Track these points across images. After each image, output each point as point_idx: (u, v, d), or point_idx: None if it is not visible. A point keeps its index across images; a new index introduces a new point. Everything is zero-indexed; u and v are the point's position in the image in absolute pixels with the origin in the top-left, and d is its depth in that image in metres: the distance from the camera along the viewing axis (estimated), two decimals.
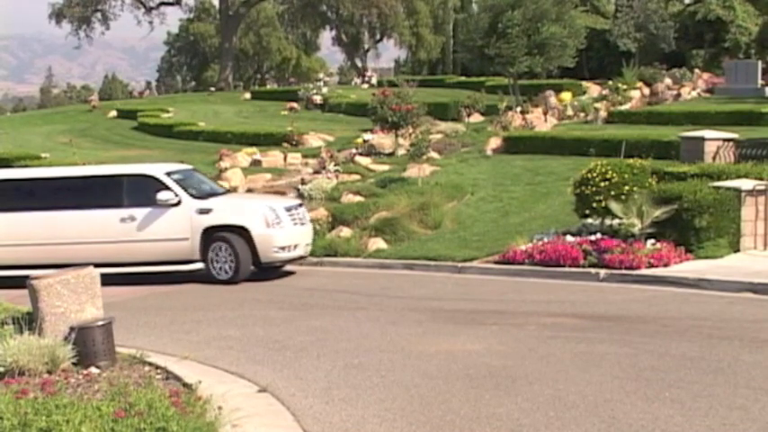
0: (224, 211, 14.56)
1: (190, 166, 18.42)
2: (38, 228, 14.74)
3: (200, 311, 11.78)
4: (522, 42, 30.58)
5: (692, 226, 13.64)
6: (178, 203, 14.49)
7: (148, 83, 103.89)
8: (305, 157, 26.44)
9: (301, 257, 15.20)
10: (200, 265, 14.50)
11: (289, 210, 14.84)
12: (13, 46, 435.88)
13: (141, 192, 14.59)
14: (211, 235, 14.43)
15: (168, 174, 14.95)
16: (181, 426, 5.46)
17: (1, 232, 14.80)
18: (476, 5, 47.30)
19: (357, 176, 22.79)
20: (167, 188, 14.55)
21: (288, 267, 15.51)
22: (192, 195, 14.70)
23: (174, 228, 14.45)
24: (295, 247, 14.76)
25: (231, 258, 14.29)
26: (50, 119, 46.12)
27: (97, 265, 13.87)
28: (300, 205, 15.62)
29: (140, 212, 14.54)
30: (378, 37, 73.14)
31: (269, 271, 14.94)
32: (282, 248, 14.51)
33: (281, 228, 14.48)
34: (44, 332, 7.56)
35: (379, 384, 7.42)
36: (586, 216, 15.17)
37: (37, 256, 14.38)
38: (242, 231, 14.32)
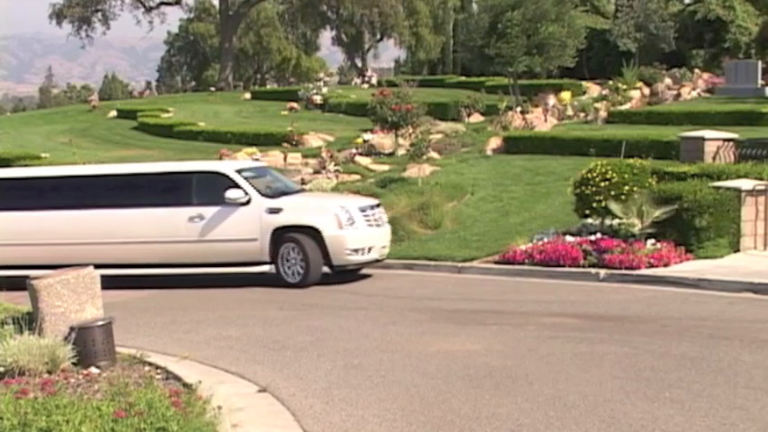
0: (294, 210, 13.86)
1: (263, 164, 17.92)
2: (100, 226, 14.27)
3: (201, 311, 11.78)
4: (522, 42, 30.59)
5: (692, 226, 13.64)
6: (248, 202, 13.83)
7: (148, 83, 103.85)
8: (305, 157, 26.45)
9: (376, 261, 14.37)
10: (266, 268, 13.86)
11: (363, 210, 14.10)
12: (13, 46, 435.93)
13: (210, 190, 13.98)
14: (281, 235, 13.71)
15: (239, 171, 14.33)
16: (181, 426, 5.46)
17: (63, 230, 14.37)
18: (476, 5, 47.29)
19: (357, 176, 22.80)
20: (237, 186, 13.88)
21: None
22: (262, 194, 14.00)
23: (242, 227, 13.81)
24: (369, 249, 13.96)
25: (301, 260, 13.60)
26: (50, 119, 46.12)
27: (160, 266, 14.02)
28: (377, 206, 14.79)
29: (209, 211, 13.93)
30: (378, 37, 73.14)
31: (344, 274, 14.11)
32: (355, 251, 13.75)
33: (354, 229, 13.73)
34: (44, 332, 7.56)
35: (380, 384, 7.42)
36: (586, 216, 15.18)
37: (99, 255, 13.72)
38: (312, 232, 13.61)
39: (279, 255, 13.72)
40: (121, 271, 14.02)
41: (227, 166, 14.74)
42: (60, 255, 13.95)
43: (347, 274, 14.15)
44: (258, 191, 14.01)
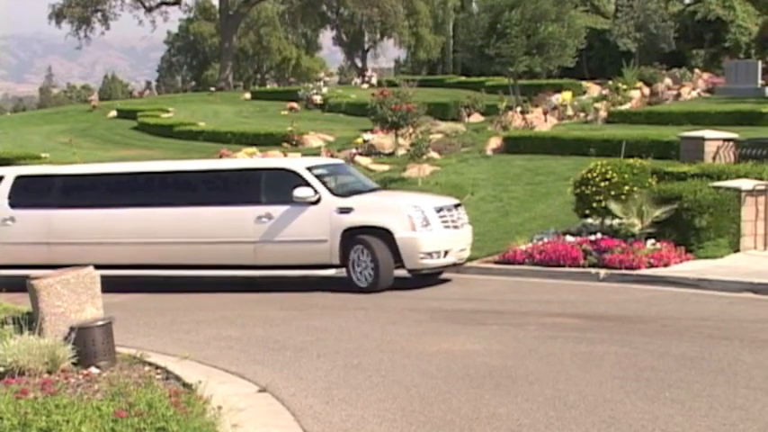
0: (365, 210, 13.06)
1: (339, 161, 17.21)
2: (164, 224, 13.69)
3: (201, 311, 11.78)
4: (522, 42, 30.59)
5: (692, 226, 13.65)
6: (317, 201, 13.09)
7: (148, 83, 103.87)
8: (305, 156, 26.44)
9: (454, 265, 13.47)
10: (332, 271, 13.14)
11: (440, 210, 13.19)
12: (12, 46, 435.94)
13: (279, 188, 13.28)
14: (352, 237, 12.93)
15: (309, 168, 13.58)
16: (181, 425, 5.46)
17: (126, 229, 13.83)
18: (476, 5, 47.27)
19: None
20: (307, 184, 13.16)
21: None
22: (333, 192, 13.26)
23: (311, 228, 13.07)
24: (445, 253, 13.03)
25: (372, 264, 12.81)
26: (50, 119, 46.13)
27: (224, 267, 13.57)
28: (457, 206, 13.81)
29: (277, 210, 13.22)
30: (378, 37, 73.15)
31: (424, 278, 13.40)
32: (429, 254, 12.87)
33: (428, 231, 12.85)
34: (44, 332, 7.55)
35: (380, 384, 7.42)
36: (586, 216, 15.18)
37: (161, 254, 13.55)
38: (383, 234, 12.82)
39: (349, 258, 12.96)
40: (181, 272, 13.68)
41: (297, 163, 14.12)
42: (121, 254, 13.71)
43: (425, 279, 13.43)
44: (329, 189, 13.31)
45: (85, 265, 8.30)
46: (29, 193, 14.59)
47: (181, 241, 13.58)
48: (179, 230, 13.59)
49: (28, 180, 14.82)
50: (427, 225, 12.92)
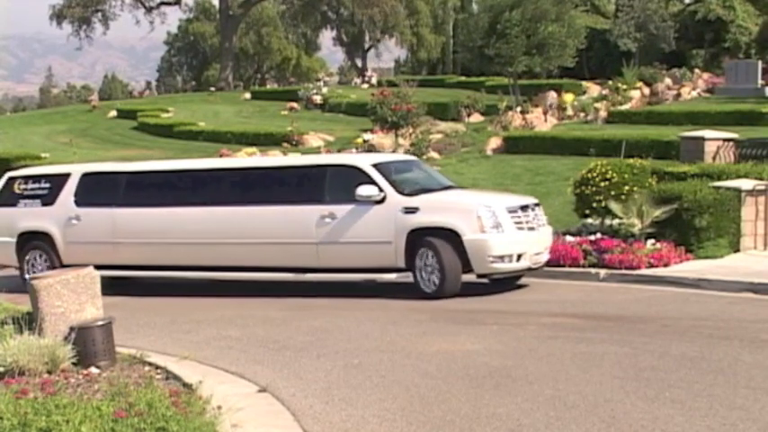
0: (431, 210, 12.12)
1: (411, 157, 16.30)
2: (222, 224, 13.01)
3: (201, 311, 11.78)
4: (522, 42, 30.62)
5: (692, 226, 13.64)
6: (382, 200, 12.22)
7: (148, 83, 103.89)
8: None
9: (529, 270, 12.48)
10: (393, 276, 12.31)
11: (513, 211, 12.22)
12: (12, 46, 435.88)
13: (343, 185, 12.47)
14: (418, 239, 12.04)
15: (375, 165, 12.70)
16: (181, 425, 5.46)
17: (185, 228, 13.22)
18: (476, 5, 47.31)
19: None
20: (371, 182, 12.31)
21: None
22: (399, 191, 12.36)
23: (375, 229, 12.22)
24: (519, 257, 12.06)
25: (438, 268, 11.92)
26: (50, 119, 46.14)
27: (286, 269, 12.86)
28: (534, 206, 12.76)
29: (341, 210, 12.38)
30: (378, 37, 73.17)
31: (502, 283, 12.49)
32: (500, 258, 11.92)
33: (498, 232, 11.88)
34: (44, 332, 7.56)
35: (379, 384, 7.42)
36: (586, 216, 15.17)
37: (217, 256, 13.03)
38: (450, 235, 11.88)
39: (415, 261, 12.11)
40: (237, 275, 13.21)
41: (362, 160, 13.32)
42: (181, 255, 13.25)
43: (501, 284, 12.48)
44: (395, 187, 12.40)
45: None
46: (94, 190, 14.14)
47: (236, 242, 12.95)
48: (236, 230, 12.95)
49: (94, 177, 14.37)
50: (498, 226, 11.95)
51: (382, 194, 12.25)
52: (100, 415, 5.49)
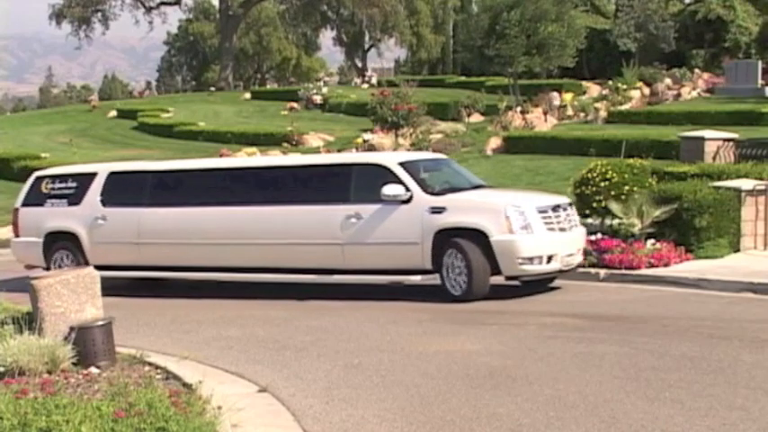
0: (458, 210, 11.73)
1: (440, 155, 15.92)
2: (238, 225, 12.76)
3: (201, 311, 11.78)
4: (522, 42, 30.64)
5: (692, 226, 13.64)
6: (409, 200, 11.86)
7: (148, 83, 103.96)
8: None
9: (561, 272, 12.09)
10: (418, 278, 11.99)
11: (543, 211, 11.79)
12: (13, 46, 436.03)
13: (369, 184, 12.10)
14: (445, 240, 11.66)
15: (402, 164, 12.34)
16: (181, 425, 5.46)
17: (209, 228, 12.95)
18: (476, 5, 47.32)
19: None
20: (398, 181, 11.95)
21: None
22: (426, 190, 12.00)
23: (401, 229, 11.85)
24: (549, 258, 11.64)
25: (465, 270, 11.54)
26: (50, 119, 46.16)
27: (305, 271, 12.54)
28: (567, 205, 12.38)
29: (367, 209, 12.03)
30: (378, 37, 73.21)
31: (535, 285, 12.04)
32: (529, 260, 11.51)
33: (528, 233, 11.48)
34: (44, 332, 7.56)
35: (379, 384, 7.42)
36: (586, 216, 15.15)
37: (240, 257, 12.75)
38: (478, 236, 11.49)
39: (442, 262, 11.73)
40: (263, 276, 12.88)
41: (389, 158, 12.93)
42: (206, 256, 12.98)
43: (532, 287, 12.04)
44: (422, 186, 12.03)
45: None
46: (120, 190, 13.92)
47: (259, 243, 12.66)
48: (260, 231, 12.65)
49: (120, 177, 14.15)
50: (527, 227, 11.54)
51: (409, 194, 11.91)
52: (100, 415, 5.49)
